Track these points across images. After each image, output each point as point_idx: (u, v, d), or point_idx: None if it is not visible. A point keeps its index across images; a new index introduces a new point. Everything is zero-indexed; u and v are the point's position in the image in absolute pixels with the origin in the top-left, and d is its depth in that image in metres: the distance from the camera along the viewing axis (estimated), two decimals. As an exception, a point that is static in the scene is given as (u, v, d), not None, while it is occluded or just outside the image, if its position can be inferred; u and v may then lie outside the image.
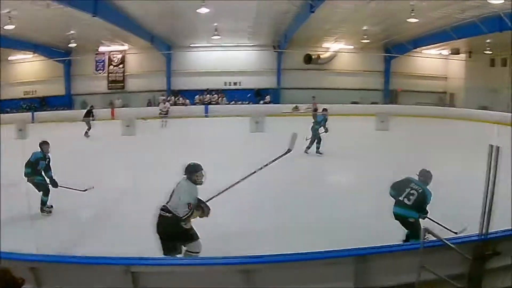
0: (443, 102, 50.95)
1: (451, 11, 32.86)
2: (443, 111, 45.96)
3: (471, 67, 48.49)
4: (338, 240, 10.08)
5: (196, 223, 9.62)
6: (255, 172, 10.85)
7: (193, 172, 9.58)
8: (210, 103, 45.83)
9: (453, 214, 11.93)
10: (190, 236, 9.45)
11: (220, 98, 46.59)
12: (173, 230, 9.17)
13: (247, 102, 46.44)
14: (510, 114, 40.25)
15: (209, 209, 9.73)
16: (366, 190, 16.54)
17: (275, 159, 11.11)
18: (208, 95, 46.40)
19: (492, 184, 7.49)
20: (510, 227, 7.96)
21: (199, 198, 9.70)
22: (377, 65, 50.20)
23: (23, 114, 42.63)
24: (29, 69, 46.46)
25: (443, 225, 10.46)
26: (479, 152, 8.31)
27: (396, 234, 10.33)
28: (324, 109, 25.41)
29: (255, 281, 7.07)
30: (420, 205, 10.48)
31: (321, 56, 47.45)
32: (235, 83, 47.60)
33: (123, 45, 45.11)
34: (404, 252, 7.63)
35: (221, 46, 45.18)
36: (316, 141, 23.96)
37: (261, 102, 46.72)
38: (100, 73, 46.49)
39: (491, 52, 44.93)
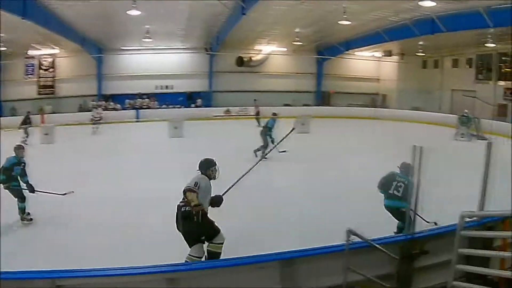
0: (376, 104, 51.40)
1: (384, 13, 33.03)
2: (375, 112, 46.39)
3: (404, 69, 49.33)
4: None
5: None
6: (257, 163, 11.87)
7: (208, 168, 10.03)
8: (141, 108, 44.74)
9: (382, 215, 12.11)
10: (210, 228, 9.65)
11: (151, 102, 45.76)
12: (196, 223, 9.34)
13: (178, 106, 45.59)
14: (441, 114, 40.92)
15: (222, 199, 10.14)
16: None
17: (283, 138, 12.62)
18: (139, 99, 45.41)
19: (417, 184, 7.92)
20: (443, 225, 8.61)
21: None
22: (310, 67, 50.31)
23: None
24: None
25: (423, 217, 10.34)
26: (407, 153, 8.25)
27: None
28: (274, 113, 25.19)
29: (182, 289, 6.89)
30: (409, 196, 10.05)
31: (253, 58, 47.09)
32: (166, 87, 46.50)
33: (53, 48, 43.84)
34: (330, 254, 7.56)
35: (153, 49, 43.87)
36: (263, 144, 23.71)
37: (193, 105, 46.08)
38: (30, 77, 45.29)
39: (423, 54, 45.58)
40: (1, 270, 6.58)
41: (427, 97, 46.89)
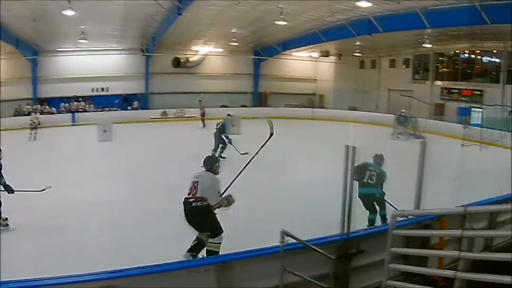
0: (313, 104, 51.61)
1: (320, 14, 33.11)
2: (312, 113, 46.51)
3: (341, 69, 49.88)
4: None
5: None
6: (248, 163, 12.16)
7: (213, 164, 10.57)
8: (77, 111, 43.65)
9: (314, 215, 13.06)
10: (217, 226, 10.14)
11: (87, 105, 44.82)
12: (206, 218, 10.04)
13: (115, 109, 44.87)
14: (378, 114, 41.30)
15: (234, 200, 10.65)
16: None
17: (262, 146, 12.76)
18: (75, 102, 44.38)
19: (351, 184, 8.06)
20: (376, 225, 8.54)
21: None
22: (246, 68, 50.29)
23: None
24: None
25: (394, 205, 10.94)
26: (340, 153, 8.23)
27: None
28: (229, 115, 25.13)
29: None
30: (381, 183, 12.61)
31: (190, 59, 46.52)
32: (102, 89, 45.18)
33: (-15, 50, 42.73)
34: (265, 256, 7.53)
35: (89, 50, 42.59)
36: (221, 145, 23.78)
37: (129, 108, 45.28)
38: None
39: (360, 54, 46.13)
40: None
41: (364, 97, 47.30)
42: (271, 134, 13.15)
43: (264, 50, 48.37)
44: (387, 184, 12.87)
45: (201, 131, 35.25)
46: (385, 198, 12.58)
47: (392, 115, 36.46)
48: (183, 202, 10.12)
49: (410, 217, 8.64)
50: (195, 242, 10.21)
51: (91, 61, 43.28)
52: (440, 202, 9.39)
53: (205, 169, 10.53)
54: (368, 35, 33.65)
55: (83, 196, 15.78)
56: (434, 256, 8.34)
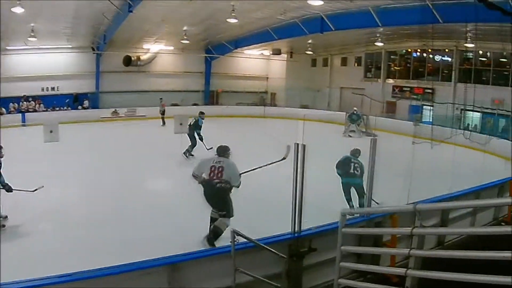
0: (264, 102, 51.55)
1: (272, 12, 33.00)
2: (264, 111, 46.41)
3: (293, 67, 50.03)
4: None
5: None
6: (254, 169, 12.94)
7: (226, 151, 12.11)
8: (27, 111, 42.91)
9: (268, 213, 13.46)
10: (232, 208, 11.61)
11: (37, 105, 43.99)
12: (226, 199, 11.55)
13: (65, 108, 44.02)
14: (330, 112, 41.42)
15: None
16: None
17: (271, 163, 13.77)
18: (25, 102, 43.60)
19: (301, 181, 8.11)
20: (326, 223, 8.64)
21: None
22: (198, 66, 49.89)
23: None
24: None
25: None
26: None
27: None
28: (201, 112, 24.88)
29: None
30: (363, 174, 13.40)
31: (141, 57, 45.90)
32: (52, 88, 43.98)
33: None
34: (217, 256, 7.60)
35: (39, 48, 41.81)
36: (191, 144, 23.92)
37: (80, 107, 44.52)
38: None
39: (312, 53, 46.18)
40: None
41: (316, 95, 47.52)
42: (284, 158, 13.73)
43: (215, 48, 48.13)
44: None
45: (155, 130, 34.92)
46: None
47: (344, 113, 36.54)
48: (206, 183, 11.52)
49: (356, 215, 8.88)
50: (211, 229, 11.61)
51: (41, 60, 42.28)
52: (392, 199, 9.36)
53: (223, 156, 11.95)
54: (320, 33, 33.51)
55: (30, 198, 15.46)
56: (385, 254, 8.31)
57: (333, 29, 32.27)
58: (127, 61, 44.90)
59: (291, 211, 8.23)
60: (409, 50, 41.11)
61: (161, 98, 41.27)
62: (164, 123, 36.66)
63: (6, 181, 13.11)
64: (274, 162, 13.60)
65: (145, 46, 45.45)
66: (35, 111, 41.52)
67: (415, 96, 39.09)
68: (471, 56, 35.88)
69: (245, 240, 7.29)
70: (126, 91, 44.99)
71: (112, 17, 34.06)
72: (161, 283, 6.97)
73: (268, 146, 26.44)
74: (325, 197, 13.89)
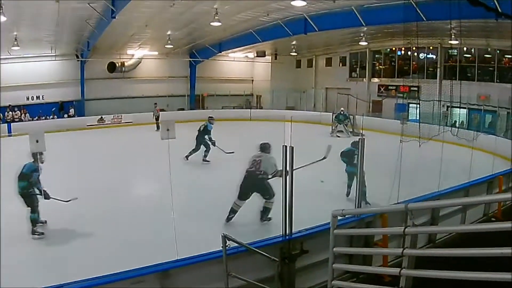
0: (250, 105, 51.54)
1: (256, 14, 32.94)
2: (250, 114, 46.35)
3: (277, 69, 50.12)
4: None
5: None
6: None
7: (267, 148, 14.14)
8: (13, 121, 42.61)
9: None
10: (272, 191, 13.45)
11: (23, 115, 43.67)
12: (266, 185, 13.56)
13: (51, 117, 43.67)
14: (316, 112, 41.49)
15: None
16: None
17: (311, 163, 14.01)
18: (10, 112, 43.29)
19: (290, 184, 8.16)
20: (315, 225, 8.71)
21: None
22: (183, 71, 49.92)
23: None
24: None
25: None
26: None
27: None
28: (210, 117, 24.73)
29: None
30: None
31: (125, 63, 45.78)
32: (38, 97, 43.59)
33: None
34: (209, 262, 7.50)
35: (23, 57, 41.52)
36: (205, 149, 23.78)
37: (66, 116, 44.26)
38: None
39: (296, 54, 46.31)
40: None
41: (301, 96, 47.53)
42: (324, 158, 14.75)
43: (200, 52, 48.01)
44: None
45: (145, 135, 34.69)
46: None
47: (330, 114, 36.58)
48: (247, 173, 13.68)
49: (347, 216, 8.57)
50: (261, 210, 13.77)
51: (25, 69, 42.10)
52: (382, 197, 9.34)
53: (263, 152, 14.04)
54: (304, 34, 33.61)
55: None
56: (377, 254, 8.29)
57: (316, 29, 32.28)
58: (112, 67, 44.69)
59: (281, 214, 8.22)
60: (394, 48, 41.31)
61: (155, 103, 41.32)
62: (158, 128, 36.24)
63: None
64: (315, 162, 14.22)
65: (129, 51, 45.28)
66: (21, 120, 40.99)
67: (400, 95, 39.17)
68: (455, 53, 36.01)
69: (236, 244, 7.23)
70: (112, 98, 44.75)
71: (95, 24, 33.83)
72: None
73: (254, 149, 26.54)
74: (314, 197, 14.60)
